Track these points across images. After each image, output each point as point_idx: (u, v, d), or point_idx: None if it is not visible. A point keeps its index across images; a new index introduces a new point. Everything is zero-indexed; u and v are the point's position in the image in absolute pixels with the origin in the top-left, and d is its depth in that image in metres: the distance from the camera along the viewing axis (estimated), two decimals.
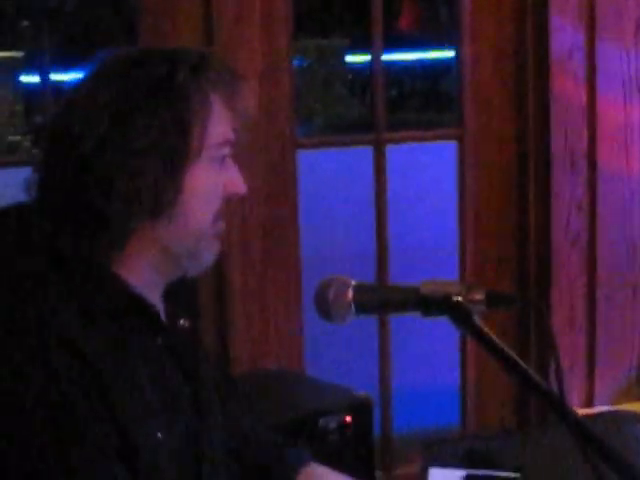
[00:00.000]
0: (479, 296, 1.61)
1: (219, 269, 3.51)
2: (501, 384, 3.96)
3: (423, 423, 3.31)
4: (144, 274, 1.83)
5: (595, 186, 3.88)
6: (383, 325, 3.85)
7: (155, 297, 1.88)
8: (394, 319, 3.84)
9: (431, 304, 1.65)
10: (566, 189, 3.87)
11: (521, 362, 1.54)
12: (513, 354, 1.54)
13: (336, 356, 3.77)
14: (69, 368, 1.67)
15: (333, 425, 3.09)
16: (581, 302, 3.94)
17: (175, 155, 1.77)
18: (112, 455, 1.70)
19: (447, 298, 1.62)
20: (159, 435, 1.78)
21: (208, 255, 1.89)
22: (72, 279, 1.77)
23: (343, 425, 3.12)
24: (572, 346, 3.93)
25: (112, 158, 1.73)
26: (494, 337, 1.57)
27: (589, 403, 3.91)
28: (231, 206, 2.01)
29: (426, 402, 3.91)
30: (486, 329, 1.59)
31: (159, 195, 1.76)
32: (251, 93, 1.94)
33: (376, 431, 3.57)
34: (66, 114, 1.80)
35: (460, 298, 1.61)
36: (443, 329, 3.92)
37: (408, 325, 3.83)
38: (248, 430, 2.22)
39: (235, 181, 1.87)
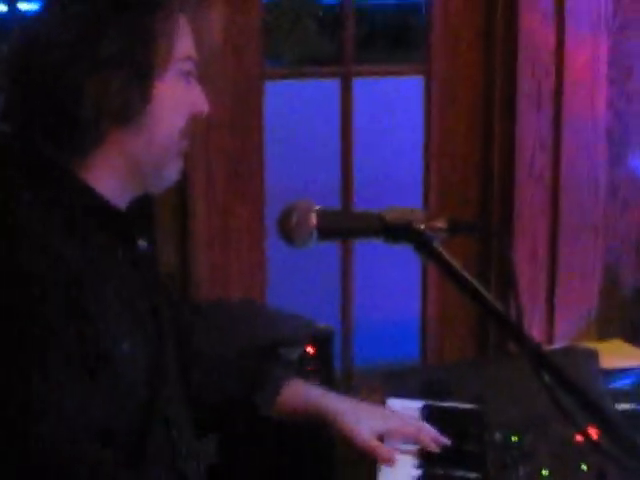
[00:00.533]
0: (441, 224, 1.63)
1: (182, 198, 3.51)
2: (461, 318, 4.01)
3: (384, 356, 3.32)
4: (110, 185, 1.86)
5: (560, 125, 3.89)
6: (346, 257, 3.87)
7: (121, 205, 1.91)
8: (357, 251, 3.87)
9: (393, 231, 1.66)
10: (531, 128, 3.87)
11: (481, 288, 1.55)
12: (473, 280, 1.55)
13: (298, 287, 3.77)
14: (51, 272, 1.69)
15: (294, 356, 3.09)
16: (543, 241, 3.96)
17: (142, 64, 1.81)
18: (80, 361, 1.71)
19: (409, 225, 1.63)
20: (125, 347, 1.80)
21: (171, 171, 1.93)
22: (43, 187, 1.79)
23: (304, 356, 3.12)
24: (533, 284, 3.95)
25: (81, 66, 1.76)
26: (455, 264, 1.59)
27: (549, 341, 3.92)
28: (196, 134, 2.03)
29: (387, 335, 3.92)
30: (447, 256, 1.60)
31: (127, 102, 1.80)
32: (217, 18, 1.96)
33: (337, 363, 3.58)
34: (37, 27, 1.84)
35: (422, 225, 1.62)
36: (405, 262, 3.96)
37: (370, 258, 3.86)
38: (227, 355, 2.29)
39: (199, 100, 1.92)
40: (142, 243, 1.95)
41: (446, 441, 2.19)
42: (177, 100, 1.88)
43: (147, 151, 1.86)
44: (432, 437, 2.19)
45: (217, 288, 3.59)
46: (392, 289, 3.96)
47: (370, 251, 3.76)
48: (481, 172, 3.99)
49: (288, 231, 1.74)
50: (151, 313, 1.94)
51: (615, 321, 4.11)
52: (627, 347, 3.76)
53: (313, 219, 1.73)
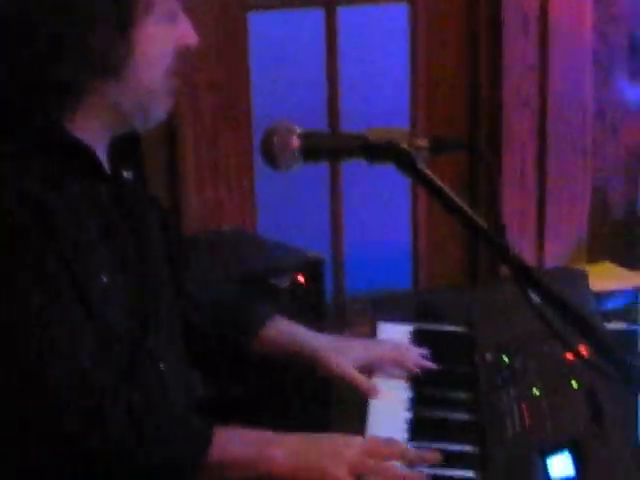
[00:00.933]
0: (423, 142, 1.61)
1: (170, 128, 3.51)
2: (452, 244, 4.04)
3: (375, 284, 3.32)
4: (92, 131, 1.85)
5: (546, 49, 3.90)
6: (335, 186, 3.88)
7: (100, 150, 1.89)
8: (347, 180, 3.86)
9: (376, 150, 1.65)
10: (517, 51, 3.89)
11: (465, 206, 1.54)
12: (456, 197, 1.55)
13: (289, 217, 3.77)
14: (28, 217, 1.70)
15: (284, 284, 3.12)
16: (531, 165, 4.00)
17: (122, 14, 1.76)
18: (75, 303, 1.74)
19: (392, 144, 1.62)
20: (105, 279, 1.80)
21: (159, 111, 1.90)
22: (20, 139, 1.78)
23: (295, 284, 3.15)
24: (522, 210, 4.00)
25: (61, 18, 1.74)
26: (438, 181, 1.58)
27: (539, 265, 3.97)
28: (180, 69, 2.01)
29: (378, 263, 3.93)
30: (430, 173, 1.60)
31: (110, 51, 1.76)
32: None
33: (328, 293, 3.59)
34: None
35: (405, 144, 1.61)
36: (395, 190, 3.96)
37: (360, 186, 3.86)
38: (208, 290, 2.27)
39: (186, 33, 1.88)
40: (127, 175, 1.96)
41: (430, 365, 2.21)
42: (161, 42, 1.84)
43: (134, 98, 1.84)
44: (415, 362, 2.21)
45: (208, 220, 3.60)
46: (382, 217, 3.96)
47: (360, 179, 3.79)
48: (468, 97, 4.01)
49: (271, 154, 1.73)
50: (138, 244, 1.94)
51: (605, 244, 4.14)
52: (617, 269, 3.81)
53: (295, 140, 1.71)
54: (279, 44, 3.74)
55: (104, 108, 1.84)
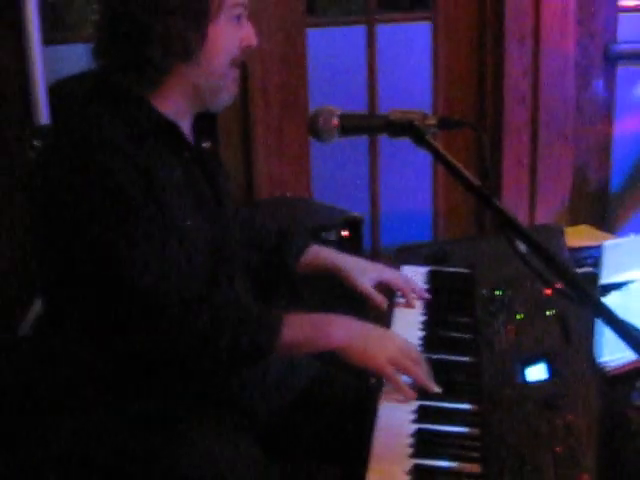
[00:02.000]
0: (432, 121, 1.60)
1: (244, 118, 3.53)
2: (463, 209, 4.03)
3: (403, 239, 3.31)
4: (176, 106, 1.87)
5: (538, 57, 3.88)
6: (373, 161, 3.88)
7: (184, 124, 1.91)
8: (382, 155, 3.87)
9: (396, 127, 1.63)
10: (516, 59, 3.87)
11: (462, 168, 1.51)
12: (456, 163, 1.52)
13: (336, 185, 3.79)
14: (123, 168, 1.71)
15: (332, 238, 3.11)
16: (525, 149, 3.98)
17: (200, 11, 1.78)
18: (160, 228, 1.75)
19: (408, 122, 1.60)
20: (189, 222, 1.82)
21: (226, 95, 1.91)
22: (118, 106, 1.80)
23: (340, 238, 3.13)
24: (518, 182, 3.99)
25: (151, 14, 1.75)
26: (444, 152, 1.56)
27: (531, 224, 3.95)
28: (255, 72, 1.99)
29: (406, 222, 3.95)
30: (435, 144, 1.58)
31: (188, 41, 1.78)
32: None
33: (367, 245, 3.62)
34: None
35: (417, 122, 1.60)
36: (420, 166, 3.94)
37: (393, 162, 3.86)
38: (263, 228, 2.28)
39: (249, 35, 1.90)
40: (206, 144, 1.98)
41: (426, 295, 2.22)
42: (228, 38, 1.84)
43: (205, 80, 1.85)
44: (415, 290, 2.22)
45: (274, 189, 3.63)
46: (410, 187, 3.97)
47: (393, 154, 3.76)
48: (477, 96, 3.98)
49: (317, 131, 1.72)
50: (215, 199, 1.95)
51: (583, 211, 4.13)
52: (593, 231, 3.81)
53: (335, 120, 1.71)
54: (330, 54, 3.73)
55: (184, 87, 1.85)
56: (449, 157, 1.53)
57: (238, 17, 1.87)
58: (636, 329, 1.28)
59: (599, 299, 1.49)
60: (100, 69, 1.85)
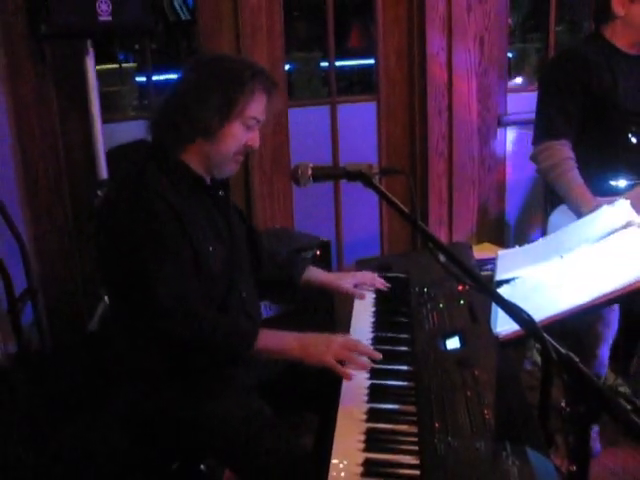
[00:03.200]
0: (376, 170, 1.62)
1: (246, 173, 3.52)
2: (402, 233, 3.99)
3: (360, 255, 3.30)
4: (199, 166, 1.85)
5: (452, 125, 3.88)
6: (337, 199, 3.84)
7: (208, 178, 1.90)
8: (345, 196, 3.83)
9: (351, 175, 1.65)
10: (436, 127, 3.86)
11: (398, 203, 1.52)
12: (393, 198, 1.53)
13: (312, 219, 3.75)
14: (164, 211, 1.71)
15: (309, 256, 3.11)
16: (445, 189, 3.96)
17: (224, 111, 1.78)
18: (189, 262, 1.74)
19: (359, 171, 1.63)
20: (211, 248, 1.81)
21: (228, 171, 1.89)
22: (162, 165, 1.80)
23: (315, 256, 3.14)
24: (440, 213, 3.97)
25: (193, 104, 1.77)
26: (385, 191, 1.57)
27: (449, 241, 3.92)
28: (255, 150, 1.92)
29: (361, 245, 3.91)
30: (381, 187, 1.58)
31: (211, 126, 1.78)
32: (280, 96, 1.90)
33: (335, 261, 3.65)
34: (180, 86, 1.83)
35: (365, 171, 1.62)
36: (372, 203, 3.93)
37: (352, 200, 3.81)
38: (270, 253, 2.24)
39: (254, 140, 1.87)
40: (221, 193, 1.96)
41: (386, 285, 2.25)
42: (236, 137, 1.82)
43: (213, 156, 1.83)
44: (380, 284, 2.26)
45: (267, 222, 3.59)
46: (364, 217, 3.89)
47: (353, 195, 3.74)
48: (410, 153, 3.95)
49: (296, 178, 1.73)
50: (227, 229, 1.94)
51: (486, 233, 4.11)
52: (493, 247, 3.75)
53: (310, 170, 1.73)
54: (306, 125, 3.69)
55: (201, 156, 1.84)
56: (388, 195, 1.54)
57: (249, 126, 1.84)
58: (518, 308, 1.30)
59: (494, 289, 1.54)
60: (142, 139, 1.86)
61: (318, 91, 3.86)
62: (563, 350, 1.15)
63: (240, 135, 1.82)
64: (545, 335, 1.18)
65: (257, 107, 1.82)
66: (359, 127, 3.83)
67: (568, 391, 1.09)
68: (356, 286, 2.23)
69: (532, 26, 4.73)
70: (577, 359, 1.12)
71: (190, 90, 1.78)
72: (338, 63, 3.86)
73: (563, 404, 1.21)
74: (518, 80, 4.43)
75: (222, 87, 1.77)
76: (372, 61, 3.84)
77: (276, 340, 1.76)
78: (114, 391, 1.88)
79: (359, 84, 4.23)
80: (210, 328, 1.73)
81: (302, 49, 4.26)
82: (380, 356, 1.73)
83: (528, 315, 1.27)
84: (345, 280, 2.22)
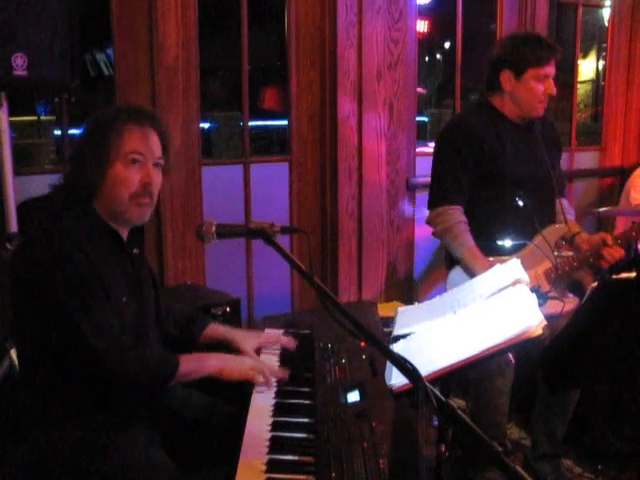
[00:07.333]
0: (277, 228, 1.69)
1: (158, 229, 3.49)
2: (312, 290, 3.94)
3: (271, 311, 3.31)
4: (108, 217, 1.88)
5: (361, 187, 3.94)
6: (248, 259, 3.83)
7: (124, 232, 1.93)
8: (256, 254, 3.81)
9: (252, 232, 1.71)
10: (346, 188, 3.91)
11: (297, 262, 1.57)
12: (292, 257, 1.58)
13: (223, 275, 3.74)
14: (81, 260, 1.74)
15: (219, 313, 3.09)
16: (354, 250, 3.99)
17: (101, 156, 1.81)
18: (108, 307, 1.77)
19: (260, 229, 1.69)
20: (124, 299, 1.85)
21: (134, 217, 1.88)
22: (78, 215, 1.83)
23: (225, 313, 3.12)
24: (350, 272, 4.00)
25: (74, 166, 1.84)
26: (286, 251, 1.62)
27: (359, 300, 3.99)
28: (165, 197, 1.90)
29: (272, 301, 3.90)
30: (282, 246, 1.63)
31: (94, 179, 1.82)
32: (153, 134, 1.90)
33: (244, 317, 3.64)
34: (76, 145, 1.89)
35: (266, 229, 1.68)
36: (281, 259, 3.92)
37: (263, 258, 3.79)
38: (174, 309, 2.26)
39: (147, 175, 1.85)
40: (135, 251, 1.99)
41: (293, 344, 2.28)
42: (125, 177, 1.81)
43: (112, 205, 1.84)
44: (284, 342, 2.30)
45: (179, 278, 3.56)
46: (276, 275, 3.87)
47: (265, 252, 3.73)
48: (320, 212, 3.97)
49: (201, 235, 1.78)
50: (138, 284, 1.97)
51: (395, 291, 4.15)
52: (401, 305, 3.83)
53: (213, 228, 1.77)
54: (219, 183, 3.70)
55: (105, 209, 1.86)
56: (286, 252, 1.59)
57: (134, 161, 1.82)
58: (403, 360, 1.36)
59: (383, 343, 1.54)
60: (51, 194, 1.87)
61: (238, 149, 3.86)
62: (443, 398, 1.23)
63: (126, 176, 1.81)
64: (427, 384, 1.27)
65: (132, 141, 1.82)
66: (272, 186, 3.85)
67: (445, 436, 1.17)
68: (260, 349, 2.25)
69: (448, 92, 4.88)
70: (455, 406, 1.20)
71: (73, 151, 1.86)
72: (254, 123, 3.90)
73: (442, 449, 1.28)
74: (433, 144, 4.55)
75: (92, 138, 1.82)
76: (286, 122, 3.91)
77: (194, 360, 1.89)
78: (16, 440, 1.86)
79: (278, 143, 4.27)
80: (137, 358, 1.77)
81: (223, 109, 4.31)
82: (286, 375, 1.98)
83: (412, 365, 1.34)
84: (249, 342, 2.22)
